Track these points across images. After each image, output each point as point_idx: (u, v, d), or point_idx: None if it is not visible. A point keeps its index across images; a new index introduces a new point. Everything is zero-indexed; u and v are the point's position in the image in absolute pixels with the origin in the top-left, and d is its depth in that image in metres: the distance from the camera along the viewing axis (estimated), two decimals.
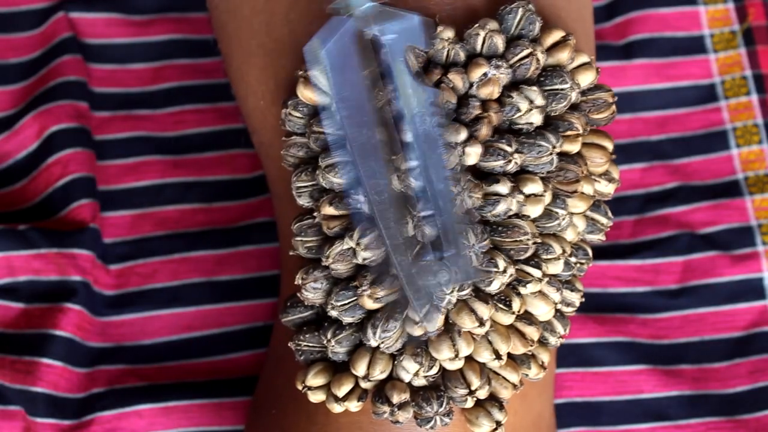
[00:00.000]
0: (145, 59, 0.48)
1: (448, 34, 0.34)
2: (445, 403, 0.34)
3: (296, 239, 0.35)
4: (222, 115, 0.47)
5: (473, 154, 0.33)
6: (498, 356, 0.34)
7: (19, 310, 0.44)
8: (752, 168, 0.47)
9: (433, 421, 0.34)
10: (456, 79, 0.34)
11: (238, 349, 0.45)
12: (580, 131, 0.35)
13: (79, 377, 0.44)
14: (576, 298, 0.36)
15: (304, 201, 0.35)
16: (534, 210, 0.34)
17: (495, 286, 0.34)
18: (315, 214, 0.35)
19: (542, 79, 0.35)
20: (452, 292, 0.33)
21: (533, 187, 0.34)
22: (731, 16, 0.48)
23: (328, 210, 0.34)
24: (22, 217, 0.45)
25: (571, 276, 0.36)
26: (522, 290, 0.34)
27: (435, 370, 0.34)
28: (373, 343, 0.34)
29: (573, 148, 0.35)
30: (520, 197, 0.34)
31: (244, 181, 0.47)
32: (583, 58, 0.36)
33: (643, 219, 0.47)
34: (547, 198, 0.34)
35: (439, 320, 0.33)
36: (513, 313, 0.34)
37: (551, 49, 0.35)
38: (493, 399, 0.35)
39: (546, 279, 0.34)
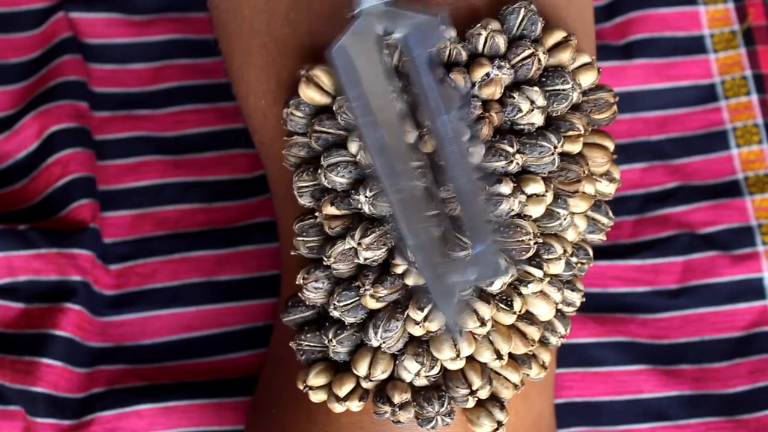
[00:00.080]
0: (145, 59, 0.48)
1: (450, 33, 0.34)
2: (446, 403, 0.34)
3: (298, 239, 0.35)
4: (222, 115, 0.47)
5: (477, 154, 0.33)
6: (499, 356, 0.34)
7: (19, 310, 0.44)
8: (752, 168, 0.47)
9: (434, 421, 0.34)
10: (458, 78, 0.34)
11: (238, 349, 0.45)
12: (582, 131, 0.35)
13: (79, 377, 0.44)
14: (577, 298, 0.36)
15: (305, 201, 0.35)
16: (536, 210, 0.34)
17: (497, 286, 0.34)
18: (317, 213, 0.35)
19: (544, 79, 0.35)
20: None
21: (535, 187, 0.34)
22: (731, 16, 0.48)
23: (330, 210, 0.34)
24: (22, 217, 0.45)
25: (572, 276, 0.36)
26: (523, 290, 0.34)
27: (436, 370, 0.34)
28: (375, 343, 0.34)
29: (574, 148, 0.35)
30: (522, 197, 0.34)
31: (244, 181, 0.47)
32: (585, 59, 0.36)
33: (643, 219, 0.47)
34: (549, 198, 0.34)
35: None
36: (514, 313, 0.34)
37: (553, 50, 0.35)
38: (495, 399, 0.35)
39: (547, 279, 0.34)
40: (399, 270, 0.34)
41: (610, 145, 0.36)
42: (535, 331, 0.35)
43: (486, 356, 0.34)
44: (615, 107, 0.36)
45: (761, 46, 0.48)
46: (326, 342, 0.35)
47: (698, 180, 0.47)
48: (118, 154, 0.47)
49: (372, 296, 0.33)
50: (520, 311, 0.34)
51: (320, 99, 0.35)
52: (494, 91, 0.34)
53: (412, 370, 0.34)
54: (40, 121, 0.46)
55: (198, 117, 0.47)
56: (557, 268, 0.35)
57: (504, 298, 0.34)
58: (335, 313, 0.34)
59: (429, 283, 0.32)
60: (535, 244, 0.34)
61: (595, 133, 0.36)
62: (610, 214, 0.37)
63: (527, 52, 0.34)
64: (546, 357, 0.36)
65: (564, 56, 0.35)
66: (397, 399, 0.34)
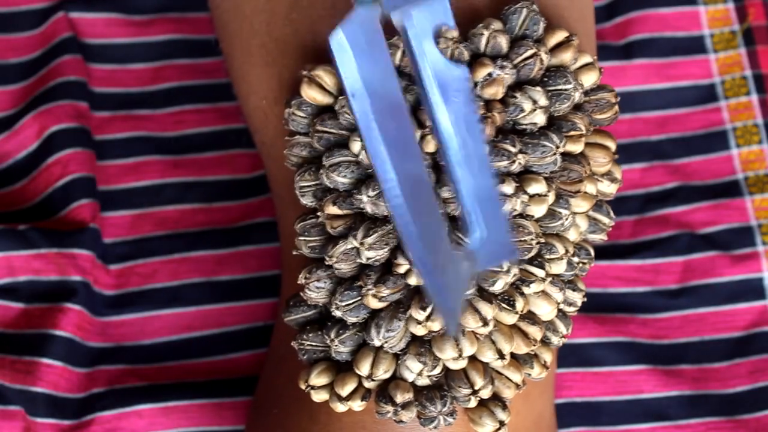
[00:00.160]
0: (145, 59, 0.48)
1: (453, 33, 0.34)
2: (448, 403, 0.34)
3: (299, 239, 0.35)
4: (222, 115, 0.47)
5: None
6: (501, 356, 0.34)
7: (19, 310, 0.44)
8: (752, 168, 0.47)
9: (436, 421, 0.34)
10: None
11: (238, 349, 0.45)
12: (584, 131, 0.35)
13: (79, 377, 0.44)
14: (578, 298, 0.36)
15: (307, 200, 0.35)
16: (538, 210, 0.34)
17: (499, 286, 0.34)
18: (318, 213, 0.35)
19: (546, 79, 0.35)
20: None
21: (537, 187, 0.34)
22: (731, 16, 0.49)
23: (332, 209, 0.34)
24: (22, 217, 0.45)
25: (574, 276, 0.36)
26: (525, 290, 0.34)
27: (438, 369, 0.34)
28: (377, 343, 0.34)
29: (576, 148, 0.35)
30: (525, 197, 0.34)
31: (244, 181, 0.47)
32: (586, 59, 0.36)
33: (643, 219, 0.47)
34: (551, 198, 0.34)
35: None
36: (516, 312, 0.34)
37: (555, 50, 0.35)
38: (497, 399, 0.35)
39: (549, 279, 0.34)
40: (401, 270, 0.34)
41: (612, 145, 0.36)
42: (537, 331, 0.35)
43: (488, 356, 0.34)
44: (616, 107, 0.36)
45: (761, 46, 0.48)
46: (328, 342, 0.35)
47: (698, 180, 0.47)
48: (118, 154, 0.47)
49: (374, 296, 0.33)
50: (522, 311, 0.34)
51: (322, 99, 0.35)
52: (497, 91, 0.34)
53: (414, 369, 0.34)
54: (40, 121, 0.46)
55: (198, 117, 0.47)
56: (559, 268, 0.35)
57: (506, 297, 0.34)
58: (337, 313, 0.34)
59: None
60: (537, 244, 0.34)
61: (596, 133, 0.36)
62: (612, 214, 0.37)
63: (529, 52, 0.34)
64: (547, 357, 0.36)
65: (566, 56, 0.35)
66: (400, 398, 0.34)
